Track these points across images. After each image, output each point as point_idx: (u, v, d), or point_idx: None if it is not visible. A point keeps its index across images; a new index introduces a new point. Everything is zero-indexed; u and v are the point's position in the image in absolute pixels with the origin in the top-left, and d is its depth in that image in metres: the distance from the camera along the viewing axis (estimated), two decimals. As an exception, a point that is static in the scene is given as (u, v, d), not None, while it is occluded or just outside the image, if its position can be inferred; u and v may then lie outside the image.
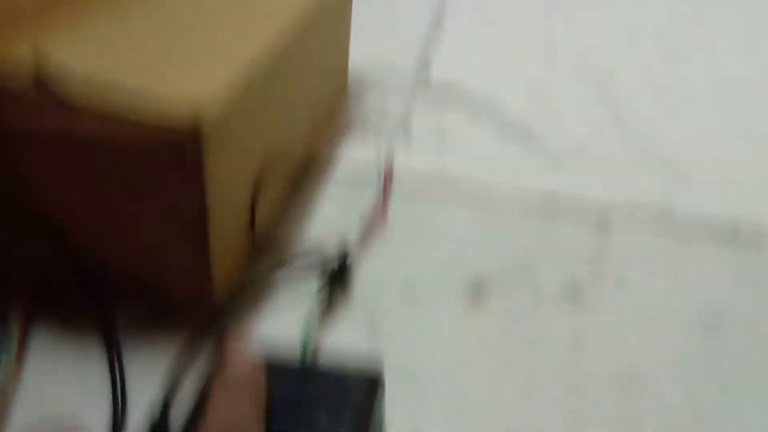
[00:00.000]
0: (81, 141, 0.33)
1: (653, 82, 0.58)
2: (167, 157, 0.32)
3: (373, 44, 0.59)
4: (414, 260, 0.43)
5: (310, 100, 0.49)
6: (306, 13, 0.43)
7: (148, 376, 0.35)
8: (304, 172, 0.49)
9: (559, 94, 0.56)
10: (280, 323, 0.38)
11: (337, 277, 0.40)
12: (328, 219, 0.46)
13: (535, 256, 0.43)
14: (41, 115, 0.33)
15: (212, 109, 0.32)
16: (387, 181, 0.48)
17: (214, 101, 0.32)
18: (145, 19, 0.38)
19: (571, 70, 0.60)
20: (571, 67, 0.60)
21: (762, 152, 0.52)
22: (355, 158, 0.50)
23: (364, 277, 0.42)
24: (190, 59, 0.35)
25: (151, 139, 0.31)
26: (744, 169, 0.50)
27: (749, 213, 0.47)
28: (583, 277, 0.42)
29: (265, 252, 0.42)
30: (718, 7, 0.73)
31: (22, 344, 0.36)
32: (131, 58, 0.34)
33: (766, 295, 0.42)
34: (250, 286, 0.39)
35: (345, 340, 0.38)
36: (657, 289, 0.42)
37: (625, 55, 0.62)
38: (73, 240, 0.37)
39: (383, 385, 0.32)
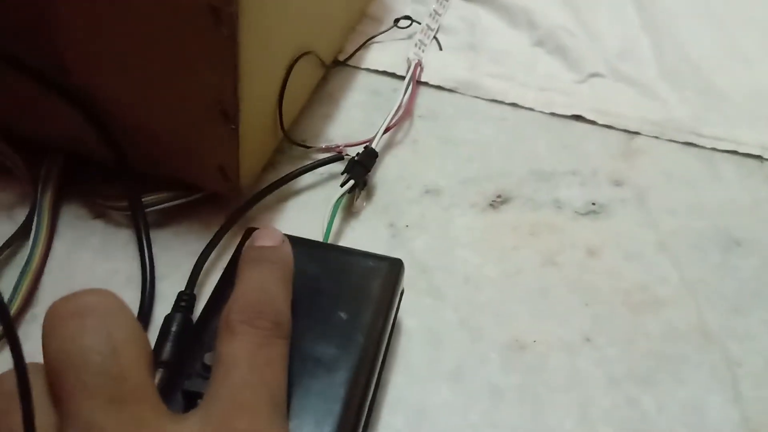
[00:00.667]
0: (114, 2, 0.32)
1: (701, 17, 0.56)
2: (202, 24, 0.31)
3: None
4: (437, 167, 0.43)
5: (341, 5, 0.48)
6: None
7: (176, 265, 0.36)
8: (332, 72, 0.48)
9: (596, 7, 0.54)
10: (304, 222, 0.38)
11: (361, 176, 0.40)
12: (353, 121, 0.45)
13: (559, 170, 0.43)
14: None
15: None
16: (414, 83, 0.47)
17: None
18: None
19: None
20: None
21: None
22: (383, 60, 0.49)
23: (387, 180, 0.41)
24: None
25: (186, 0, 0.30)
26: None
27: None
28: (605, 192, 0.42)
29: (290, 150, 0.42)
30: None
31: (52, 225, 0.36)
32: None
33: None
34: (275, 185, 0.39)
35: (364, 240, 0.38)
36: (677, 210, 0.41)
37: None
38: (104, 122, 0.36)
39: (404, 269, 0.32)
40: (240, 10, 0.31)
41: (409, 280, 0.34)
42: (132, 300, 0.33)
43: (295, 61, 0.40)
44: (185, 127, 0.36)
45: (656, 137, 0.46)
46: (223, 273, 0.31)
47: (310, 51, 0.41)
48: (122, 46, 0.33)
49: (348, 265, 0.31)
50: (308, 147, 0.42)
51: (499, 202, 0.41)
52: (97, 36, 0.33)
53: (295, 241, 0.30)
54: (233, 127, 0.35)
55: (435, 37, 0.51)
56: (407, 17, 0.51)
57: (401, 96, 0.45)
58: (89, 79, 0.35)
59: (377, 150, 0.41)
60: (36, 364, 0.23)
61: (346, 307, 0.29)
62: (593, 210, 0.41)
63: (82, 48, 0.34)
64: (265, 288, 0.26)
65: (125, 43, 0.33)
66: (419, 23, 0.51)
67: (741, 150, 0.45)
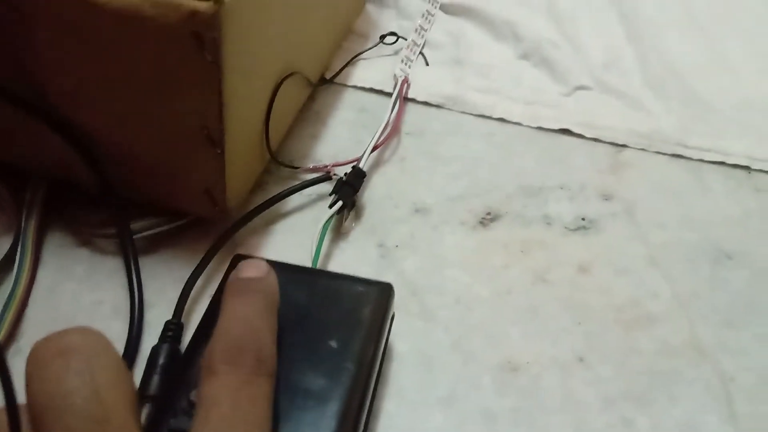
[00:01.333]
0: (96, 29, 0.31)
1: (680, 8, 0.55)
2: (186, 50, 0.30)
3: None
4: (425, 185, 0.42)
5: (327, 14, 0.47)
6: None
7: (163, 292, 0.34)
8: (319, 90, 0.47)
9: (580, 18, 0.53)
10: (292, 245, 0.37)
11: (349, 196, 0.39)
12: (341, 139, 0.44)
13: (547, 185, 0.42)
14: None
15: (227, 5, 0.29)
16: (401, 100, 0.46)
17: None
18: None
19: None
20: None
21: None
22: (370, 77, 0.48)
23: (375, 199, 0.40)
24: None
25: (169, 27, 0.29)
26: (764, 110, 0.48)
27: (765, 150, 0.45)
28: (594, 207, 0.41)
29: (277, 171, 0.41)
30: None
31: (37, 254, 0.35)
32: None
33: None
34: (262, 207, 0.38)
35: (354, 261, 0.37)
36: (667, 224, 0.40)
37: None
38: (89, 149, 0.35)
39: (394, 293, 0.31)
40: (223, 35, 0.30)
41: (399, 302, 0.33)
42: (119, 331, 0.32)
43: (281, 82, 0.39)
44: (171, 153, 0.35)
45: (643, 149, 0.45)
46: (211, 301, 0.30)
47: (296, 71, 0.40)
48: (105, 73, 0.32)
49: (337, 291, 0.30)
50: (296, 168, 0.41)
51: (488, 219, 0.40)
52: (80, 63, 0.32)
53: (282, 268, 0.29)
54: (219, 151, 0.34)
55: (421, 53, 0.51)
56: (393, 33, 0.51)
57: (388, 113, 0.44)
58: (72, 105, 0.34)
59: (365, 169, 0.40)
60: (19, 405, 0.22)
61: (336, 335, 0.29)
62: (583, 225, 0.40)
63: (65, 75, 0.33)
64: (248, 322, 0.25)
65: (108, 69, 0.32)
66: (405, 39, 0.51)
67: (728, 161, 0.44)
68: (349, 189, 0.39)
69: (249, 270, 0.27)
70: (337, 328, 0.29)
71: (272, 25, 0.36)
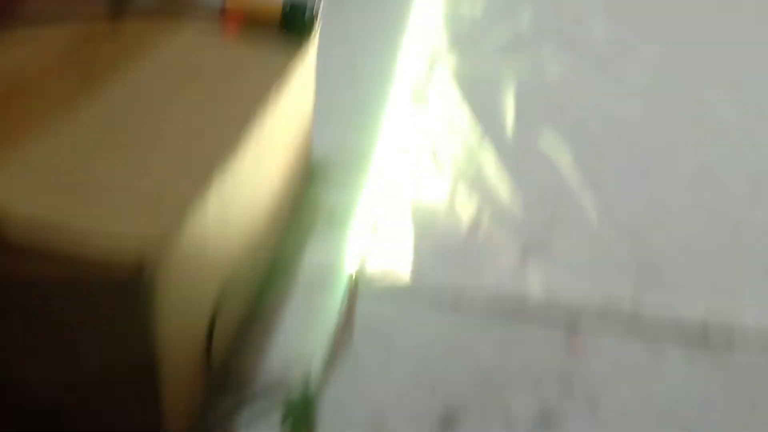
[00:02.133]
0: (23, 282, 0.29)
1: (624, 151, 0.55)
2: (112, 298, 0.28)
3: (335, 134, 0.55)
4: (382, 386, 0.39)
5: (272, 215, 0.45)
6: (264, 128, 0.39)
7: None
8: (267, 284, 0.45)
9: (524, 172, 0.53)
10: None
11: (301, 413, 0.36)
12: (291, 337, 0.41)
13: (505, 374, 0.40)
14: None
15: (158, 244, 0.28)
16: (353, 291, 0.44)
17: (160, 236, 0.28)
18: (91, 147, 0.34)
19: (540, 163, 0.56)
20: (541, 160, 0.57)
21: (734, 245, 0.49)
22: (318, 263, 0.46)
23: (329, 410, 0.38)
24: (139, 188, 0.32)
25: (95, 279, 0.28)
26: (714, 262, 0.47)
27: (719, 312, 0.44)
28: (555, 399, 0.39)
29: (223, 388, 0.38)
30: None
31: None
32: (76, 193, 0.31)
33: (738, 400, 0.39)
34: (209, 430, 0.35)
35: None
36: (629, 408, 0.38)
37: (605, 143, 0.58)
38: (20, 389, 0.33)
39: None
40: (153, 283, 0.28)
41: None
42: None
43: (224, 292, 0.37)
44: (102, 394, 0.32)
45: (599, 322, 0.43)
46: None
47: (239, 275, 0.38)
48: (35, 332, 0.30)
49: None
50: (242, 378, 0.39)
51: (449, 424, 0.37)
52: (7, 329, 0.30)
53: None
54: (155, 389, 0.31)
55: (373, 229, 0.49)
56: (341, 210, 0.49)
57: (339, 307, 0.42)
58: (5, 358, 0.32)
59: (317, 377, 0.38)
60: None
61: None
62: (544, 422, 0.38)
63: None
64: None
65: (35, 320, 0.30)
66: (354, 216, 0.49)
67: (683, 326, 0.43)
68: (300, 411, 0.36)
69: None
70: None
71: (210, 253, 0.34)
